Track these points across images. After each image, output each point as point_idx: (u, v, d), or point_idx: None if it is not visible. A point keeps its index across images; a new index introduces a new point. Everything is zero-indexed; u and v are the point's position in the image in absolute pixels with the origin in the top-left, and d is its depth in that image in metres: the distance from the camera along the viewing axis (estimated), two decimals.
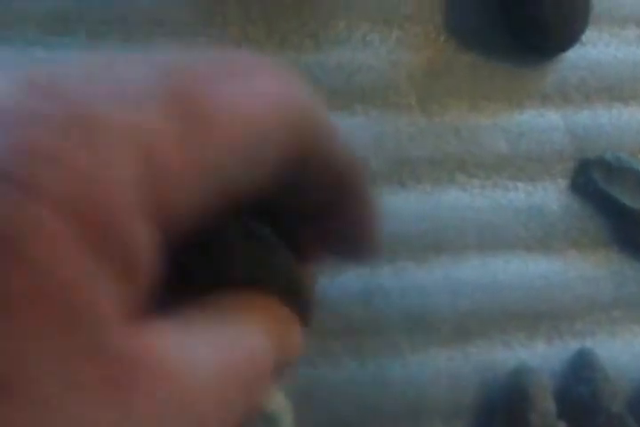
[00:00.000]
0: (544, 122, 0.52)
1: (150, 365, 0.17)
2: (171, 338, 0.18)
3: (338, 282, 0.46)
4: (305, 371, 0.44)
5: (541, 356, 0.49)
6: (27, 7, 0.46)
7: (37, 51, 0.45)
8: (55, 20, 0.46)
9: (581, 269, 0.50)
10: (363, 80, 0.49)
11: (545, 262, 0.50)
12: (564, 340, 0.49)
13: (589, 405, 0.46)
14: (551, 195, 0.51)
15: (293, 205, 0.25)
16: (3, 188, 0.15)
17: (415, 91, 0.50)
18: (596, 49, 0.54)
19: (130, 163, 0.17)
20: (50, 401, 0.15)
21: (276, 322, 0.23)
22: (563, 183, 0.51)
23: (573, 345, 0.49)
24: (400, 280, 0.47)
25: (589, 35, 0.54)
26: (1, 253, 0.15)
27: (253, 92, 0.20)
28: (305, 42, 0.49)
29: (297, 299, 0.23)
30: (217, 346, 0.19)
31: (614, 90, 0.54)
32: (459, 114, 0.51)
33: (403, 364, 0.46)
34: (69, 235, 0.16)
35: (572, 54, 0.53)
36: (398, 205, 0.48)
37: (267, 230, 0.23)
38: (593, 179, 0.51)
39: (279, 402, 0.25)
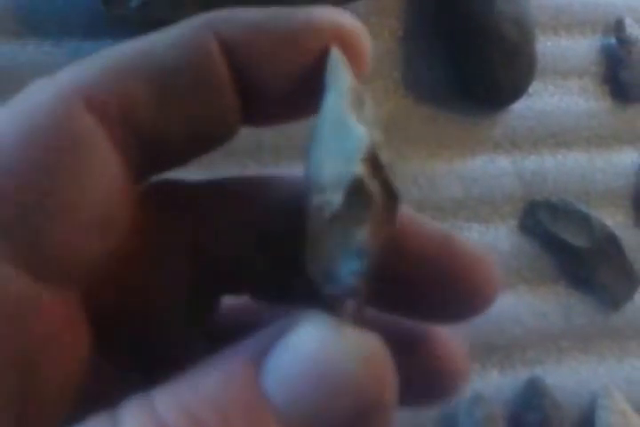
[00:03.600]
0: (495, 167, 0.54)
1: None
2: None
3: None
4: None
5: (495, 384, 0.50)
6: None
7: None
8: None
9: (531, 303, 0.52)
10: None
11: (498, 297, 0.52)
12: (515, 369, 0.51)
13: None
14: (502, 235, 0.53)
15: None
16: None
17: None
18: (542, 100, 0.56)
19: None
20: None
21: None
22: (513, 224, 0.53)
23: (524, 374, 0.51)
24: None
25: (535, 86, 0.56)
26: None
27: None
28: None
29: None
30: None
31: (559, 137, 0.56)
32: (417, 162, 0.53)
33: None
34: None
35: (520, 105, 0.55)
36: None
37: None
38: (540, 220, 0.53)
39: None
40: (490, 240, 0.53)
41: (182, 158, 0.19)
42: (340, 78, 0.18)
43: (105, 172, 0.17)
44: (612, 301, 0.54)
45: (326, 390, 0.14)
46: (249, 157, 0.50)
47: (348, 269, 0.16)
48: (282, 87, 0.19)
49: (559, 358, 0.52)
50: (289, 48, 0.18)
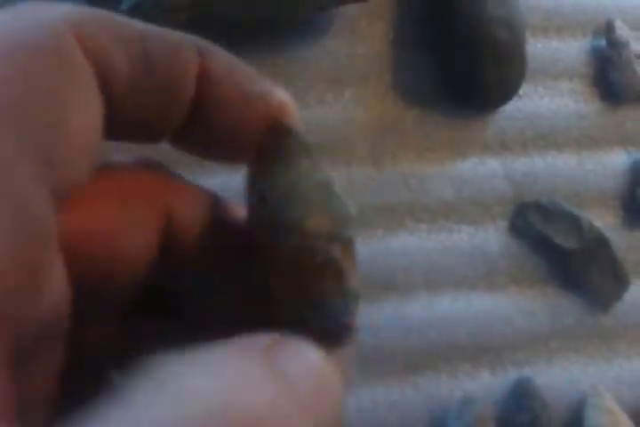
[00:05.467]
0: (485, 169, 0.54)
1: None
2: None
3: None
4: None
5: (485, 385, 0.50)
6: None
7: None
8: None
9: (521, 304, 0.52)
10: (319, 135, 0.52)
11: (488, 298, 0.52)
12: (505, 369, 0.51)
13: None
14: (492, 236, 0.53)
15: None
16: None
17: (367, 144, 0.53)
18: (532, 102, 0.57)
19: None
20: None
21: None
22: (502, 225, 0.54)
23: (514, 374, 0.51)
24: None
25: (526, 88, 0.56)
26: None
27: None
28: None
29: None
30: None
31: (549, 139, 0.56)
32: (407, 164, 0.53)
33: (357, 397, 0.48)
34: None
35: (511, 107, 0.56)
36: None
37: None
38: (530, 221, 0.53)
39: None
40: (480, 242, 0.53)
41: (136, 134, 0.21)
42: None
43: (94, 107, 0.19)
44: (601, 301, 0.54)
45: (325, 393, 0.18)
46: None
47: (345, 309, 0.19)
48: (223, 134, 0.21)
49: (549, 358, 0.52)
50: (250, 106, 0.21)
